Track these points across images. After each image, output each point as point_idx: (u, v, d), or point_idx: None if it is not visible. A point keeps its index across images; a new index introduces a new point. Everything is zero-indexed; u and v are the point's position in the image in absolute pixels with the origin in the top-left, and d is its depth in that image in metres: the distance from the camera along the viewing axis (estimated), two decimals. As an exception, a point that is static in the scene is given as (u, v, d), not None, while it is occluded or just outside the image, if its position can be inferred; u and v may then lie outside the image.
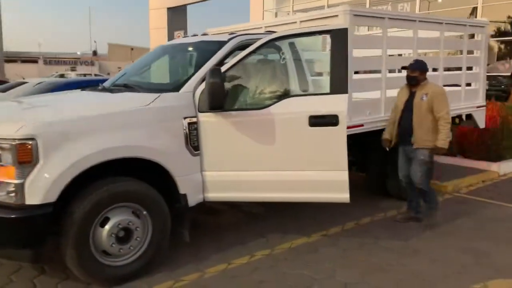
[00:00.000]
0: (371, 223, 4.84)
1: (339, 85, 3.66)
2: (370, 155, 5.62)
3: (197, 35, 4.74)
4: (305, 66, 4.14)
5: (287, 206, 5.03)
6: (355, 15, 4.48)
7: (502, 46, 18.61)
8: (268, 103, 3.77)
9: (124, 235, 3.40)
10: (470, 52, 6.43)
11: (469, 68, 6.49)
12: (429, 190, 4.72)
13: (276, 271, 3.68)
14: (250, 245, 4.21)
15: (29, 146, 2.97)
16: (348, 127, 4.47)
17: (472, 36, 6.41)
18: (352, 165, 5.76)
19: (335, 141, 3.66)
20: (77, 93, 4.51)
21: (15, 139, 2.98)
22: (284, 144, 3.74)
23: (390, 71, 5.32)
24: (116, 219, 3.34)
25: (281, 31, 4.15)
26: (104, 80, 4.93)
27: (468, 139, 7.43)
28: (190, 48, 4.49)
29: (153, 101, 3.57)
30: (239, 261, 3.86)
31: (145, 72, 4.60)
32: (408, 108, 4.54)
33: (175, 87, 3.79)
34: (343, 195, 3.76)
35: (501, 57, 18.19)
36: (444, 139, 4.40)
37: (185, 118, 3.63)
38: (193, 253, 4.01)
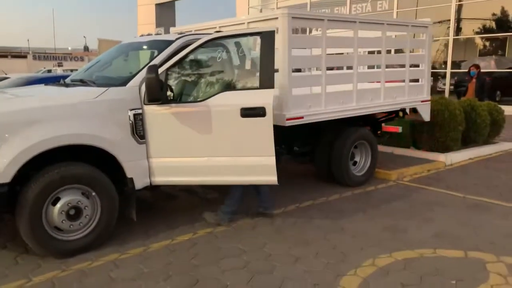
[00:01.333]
0: (311, 206, 5.33)
1: (267, 81, 4.13)
2: (317, 145, 6.11)
3: (151, 35, 5.19)
4: (239, 63, 4.61)
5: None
6: (293, 17, 4.94)
7: (487, 43, 19.26)
8: (205, 96, 4.24)
9: (74, 213, 3.86)
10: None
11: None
12: (238, 194, 4.76)
13: (212, 245, 4.15)
14: (196, 225, 4.68)
15: None
16: (288, 119, 5.00)
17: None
18: (303, 155, 6.31)
19: (263, 130, 4.14)
20: (38, 88, 4.95)
21: (-28, 127, 3.42)
22: (219, 133, 4.21)
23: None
24: (66, 198, 3.80)
25: (224, 31, 4.61)
26: (67, 76, 5.35)
27: (419, 132, 7.94)
28: (142, 47, 4.94)
29: (100, 95, 4.02)
30: (182, 238, 4.33)
31: (101, 68, 5.03)
32: None
33: (123, 82, 4.23)
34: (272, 178, 4.25)
35: (484, 53, 18.85)
36: None
37: (131, 109, 4.09)
38: (143, 231, 4.48)
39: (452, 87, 17.24)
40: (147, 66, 3.98)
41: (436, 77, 17.89)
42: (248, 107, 4.14)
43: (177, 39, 4.61)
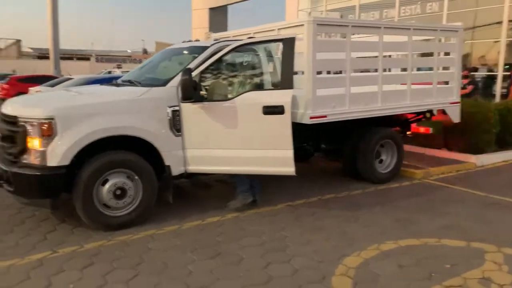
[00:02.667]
0: (333, 198, 5.75)
1: (286, 82, 4.67)
2: (344, 144, 6.51)
3: (191, 41, 5.84)
4: (262, 66, 5.15)
5: (268, 183, 6.06)
6: (318, 24, 5.40)
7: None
8: (233, 95, 4.85)
9: (120, 193, 4.55)
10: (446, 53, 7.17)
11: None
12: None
13: (237, 226, 4.71)
14: (226, 210, 5.25)
15: (50, 124, 4.16)
16: (312, 117, 5.46)
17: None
18: (327, 153, 6.74)
19: (282, 126, 4.64)
20: (95, 87, 5.73)
21: (40, 118, 4.18)
22: (244, 128, 4.78)
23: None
24: (113, 180, 4.49)
25: (250, 38, 5.17)
26: (119, 77, 6.11)
27: (451, 133, 8.09)
28: (182, 52, 5.59)
29: (144, 93, 4.70)
30: (211, 220, 4.92)
31: (147, 71, 5.73)
32: None
33: (164, 82, 4.89)
34: (290, 169, 4.75)
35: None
36: None
37: (169, 106, 4.73)
38: (178, 213, 5.10)
39: (505, 90, 16.79)
40: (182, 70, 4.61)
41: (492, 80, 17.49)
42: (269, 105, 4.66)
43: (212, 45, 5.21)
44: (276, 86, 4.91)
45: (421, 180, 6.75)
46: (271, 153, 4.74)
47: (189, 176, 5.24)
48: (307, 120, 5.43)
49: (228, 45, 5.03)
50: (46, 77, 19.97)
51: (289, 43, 4.58)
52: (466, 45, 19.15)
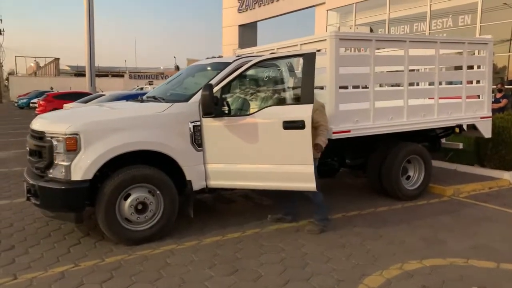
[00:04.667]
0: (357, 215, 5.63)
1: (306, 96, 4.60)
2: (369, 159, 6.39)
3: (214, 57, 5.92)
4: (283, 81, 5.14)
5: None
6: (341, 39, 5.37)
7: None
8: (253, 110, 4.85)
9: (141, 208, 4.60)
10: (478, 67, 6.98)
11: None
12: (318, 199, 5.00)
13: (256, 243, 4.66)
14: (246, 226, 5.22)
15: (74, 139, 4.27)
16: (335, 132, 5.40)
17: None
18: (353, 169, 6.63)
19: (303, 141, 4.57)
20: (120, 103, 5.87)
21: (66, 134, 4.30)
22: (265, 143, 4.74)
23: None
24: (135, 195, 4.55)
25: (271, 53, 5.19)
26: (145, 93, 6.24)
27: (484, 149, 7.82)
28: (206, 68, 5.66)
29: (166, 109, 4.77)
30: (231, 235, 4.89)
31: (171, 87, 5.81)
32: None
33: (187, 98, 4.95)
34: (310, 184, 4.66)
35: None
36: (323, 140, 4.86)
37: (191, 122, 4.77)
38: (199, 228, 5.11)
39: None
40: (203, 85, 4.66)
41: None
42: (290, 120, 4.61)
43: (234, 61, 5.25)
44: (296, 101, 4.88)
45: (450, 198, 6.52)
46: (291, 168, 4.68)
47: (211, 191, 5.26)
48: (330, 135, 5.37)
49: (249, 61, 5.06)
50: (81, 93, 20.67)
51: (309, 58, 4.55)
52: (502, 58, 18.70)
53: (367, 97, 5.73)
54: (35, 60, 77.33)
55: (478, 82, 7.09)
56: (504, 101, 10.53)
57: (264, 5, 31.44)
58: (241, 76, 4.98)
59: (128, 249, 4.49)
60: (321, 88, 5.66)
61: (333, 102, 5.39)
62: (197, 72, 5.84)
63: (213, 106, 4.55)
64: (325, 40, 5.37)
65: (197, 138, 4.81)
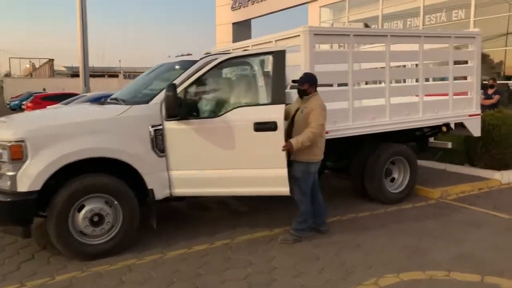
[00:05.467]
0: (336, 222, 5.27)
1: (278, 96, 4.29)
2: (351, 161, 6.04)
3: (183, 55, 5.54)
4: (252, 81, 4.78)
5: (268, 205, 5.68)
6: (315, 34, 5.01)
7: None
8: (221, 112, 4.50)
9: (98, 220, 4.23)
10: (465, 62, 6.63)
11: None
12: (304, 206, 4.57)
13: (223, 256, 4.30)
14: (217, 236, 4.86)
15: (19, 147, 3.91)
16: (311, 134, 5.02)
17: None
18: (334, 171, 6.27)
19: (275, 144, 4.27)
20: (78, 106, 5.51)
21: (10, 141, 3.93)
22: (234, 147, 4.43)
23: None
24: (90, 206, 4.19)
25: (241, 51, 4.82)
26: (110, 95, 5.86)
27: (474, 148, 7.47)
28: (172, 67, 5.29)
29: (124, 112, 4.40)
30: (198, 247, 4.53)
31: (135, 88, 5.45)
32: (293, 120, 4.57)
33: (147, 100, 4.58)
34: (284, 189, 4.40)
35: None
36: (299, 140, 4.27)
37: (151, 125, 4.41)
38: (165, 239, 4.75)
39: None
40: (166, 85, 4.30)
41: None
42: (261, 122, 4.32)
43: (201, 59, 4.89)
44: (268, 101, 4.54)
45: (437, 200, 6.18)
46: (263, 172, 4.41)
47: (179, 198, 4.92)
48: (305, 137, 5.00)
49: (216, 59, 4.71)
50: (70, 94, 20.30)
51: (279, 56, 4.23)
52: (498, 52, 18.35)
53: (346, 96, 5.37)
54: (30, 61, 76.77)
55: (465, 78, 6.74)
56: (496, 97, 10.19)
57: (258, 2, 31.07)
58: (207, 75, 4.63)
59: (83, 265, 4.14)
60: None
61: (308, 101, 5.02)
62: (164, 71, 5.47)
63: (177, 108, 4.20)
64: (299, 35, 5.01)
65: (159, 143, 4.44)
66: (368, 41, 5.48)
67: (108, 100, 5.33)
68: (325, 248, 4.44)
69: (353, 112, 5.39)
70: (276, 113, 4.29)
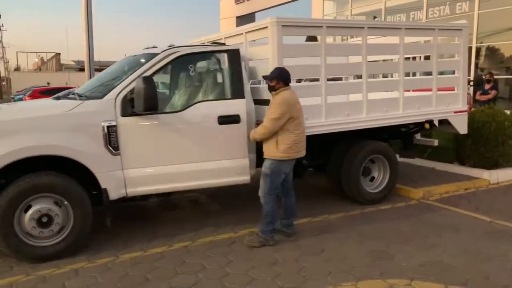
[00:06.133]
0: (307, 223, 5.03)
1: (237, 92, 4.40)
2: (328, 159, 5.77)
3: (149, 48, 5.30)
4: (212, 76, 4.63)
5: (237, 203, 5.46)
6: (284, 25, 4.74)
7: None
8: (182, 107, 4.49)
9: (47, 221, 4.04)
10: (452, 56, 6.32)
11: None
12: (268, 207, 4.32)
13: (177, 260, 4.08)
14: (178, 237, 4.65)
15: None
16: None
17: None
18: (311, 169, 6.03)
19: (238, 135, 4.51)
20: (37, 101, 5.31)
21: None
22: (197, 140, 4.48)
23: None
24: (37, 206, 3.99)
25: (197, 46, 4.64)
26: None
27: (463, 146, 7.16)
28: (133, 60, 5.05)
29: (75, 107, 4.19)
30: (155, 250, 4.32)
31: (96, 82, 5.22)
32: None
33: (102, 95, 4.37)
34: (245, 177, 4.70)
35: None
36: (251, 133, 4.35)
37: (105, 121, 4.19)
38: (123, 241, 4.55)
39: None
40: (141, 77, 4.12)
41: None
42: (225, 115, 4.51)
43: (162, 52, 4.65)
44: (229, 95, 4.46)
45: (419, 201, 5.90)
46: (226, 163, 4.59)
47: (144, 197, 4.74)
48: (272, 135, 4.76)
49: (188, 51, 4.55)
50: (68, 88, 20.20)
51: (233, 55, 4.16)
52: (507, 46, 17.85)
53: (318, 91, 5.10)
54: (39, 56, 77.17)
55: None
56: (493, 93, 9.83)
57: (261, -5, 30.66)
58: (165, 70, 4.43)
59: (30, 268, 3.95)
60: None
61: (276, 97, 4.77)
62: (126, 64, 5.23)
63: (157, 100, 4.09)
64: (266, 27, 4.75)
65: (112, 141, 4.23)
66: (342, 33, 5.20)
67: (68, 94, 5.13)
68: (287, 252, 4.20)
69: (326, 108, 5.12)
70: (239, 106, 4.52)
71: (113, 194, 4.28)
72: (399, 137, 6.65)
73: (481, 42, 17.46)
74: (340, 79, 7.03)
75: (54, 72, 59.70)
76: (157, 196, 4.82)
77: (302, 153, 4.37)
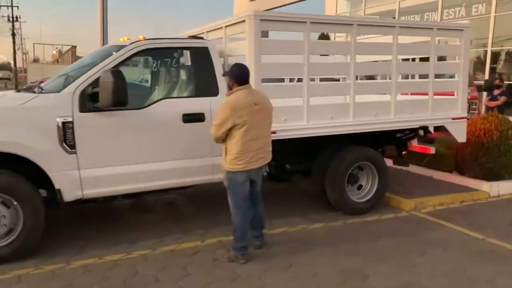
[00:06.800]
0: (281, 234, 4.67)
1: (203, 89, 4.23)
2: (313, 165, 5.41)
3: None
4: (179, 73, 4.33)
5: (209, 209, 5.13)
6: (262, 19, 4.39)
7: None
8: (146, 103, 4.23)
9: (-7, 223, 3.76)
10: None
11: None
12: (235, 222, 3.90)
13: (131, 271, 3.76)
14: (140, 244, 4.33)
15: None
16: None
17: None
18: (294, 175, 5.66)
19: (202, 134, 4.22)
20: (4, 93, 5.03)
21: None
22: (161, 138, 4.23)
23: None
24: (-18, 207, 3.71)
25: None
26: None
27: (462, 154, 6.71)
28: (101, 52, 4.74)
29: (28, 101, 3.90)
30: (110, 258, 4.01)
31: (60, 75, 4.93)
32: None
33: (62, 87, 4.07)
34: (208, 177, 4.50)
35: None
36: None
37: (60, 117, 3.89)
38: (83, 245, 4.25)
39: None
40: (109, 70, 3.82)
41: None
42: (190, 113, 4.30)
43: (130, 44, 4.33)
44: (194, 94, 4.14)
45: (409, 213, 5.49)
46: (190, 162, 4.40)
47: (108, 199, 4.44)
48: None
49: (156, 45, 4.27)
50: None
51: (199, 52, 3.87)
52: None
53: (300, 91, 4.73)
54: (56, 48, 77.96)
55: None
56: (502, 99, 9.31)
57: (276, -7, 30.29)
58: (131, 64, 4.13)
59: (-28, 272, 3.68)
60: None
61: (252, 96, 4.42)
62: (96, 56, 4.93)
63: (126, 95, 3.83)
64: (244, 21, 4.41)
65: (68, 138, 3.93)
66: (329, 29, 4.81)
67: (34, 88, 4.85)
68: (250, 267, 3.85)
69: (308, 110, 4.74)
70: (205, 104, 4.33)
71: (68, 196, 3.98)
72: (393, 143, 6.23)
73: (501, 46, 16.81)
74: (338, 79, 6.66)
75: (70, 64, 60.10)
76: (123, 197, 4.52)
77: (257, 163, 3.78)
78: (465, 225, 5.02)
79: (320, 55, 5.63)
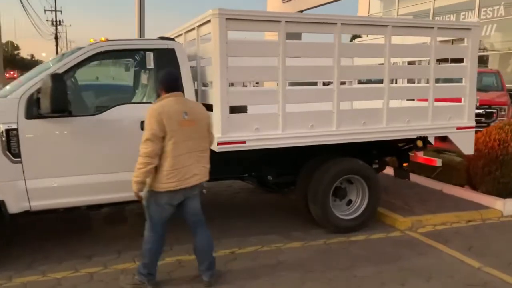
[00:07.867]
0: (252, 253, 4.26)
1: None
2: (297, 177, 4.97)
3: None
4: (137, 77, 4.02)
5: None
6: (229, 19, 4.00)
7: None
8: (100, 109, 3.93)
9: None
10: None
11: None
12: (144, 247, 3.44)
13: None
14: (94, 260, 4.05)
15: None
16: (220, 143, 4.08)
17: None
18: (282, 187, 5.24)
19: None
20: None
21: None
22: (117, 147, 3.93)
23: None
24: None
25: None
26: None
27: (474, 168, 6.05)
28: (63, 56, 4.50)
29: (-30, 107, 3.68)
30: (54, 276, 3.75)
31: (23, 78, 4.71)
32: None
33: (9, 93, 3.84)
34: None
35: None
36: (134, 175, 3.22)
37: (3, 124, 3.66)
38: (30, 261, 4.01)
39: None
40: (49, 74, 3.58)
41: None
42: None
43: (88, 45, 4.06)
44: (149, 99, 3.82)
45: (403, 233, 4.93)
46: None
47: (68, 210, 4.18)
48: (214, 147, 4.04)
49: (116, 46, 3.99)
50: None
51: (162, 54, 3.58)
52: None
53: (274, 98, 4.30)
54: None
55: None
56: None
57: (308, -6, 29.81)
58: (85, 67, 3.86)
59: None
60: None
61: (218, 103, 4.06)
62: (54, 60, 4.69)
63: (68, 101, 3.55)
64: (209, 21, 4.04)
65: (12, 146, 3.69)
66: (307, 29, 4.35)
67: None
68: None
69: (283, 118, 4.31)
70: None
71: (13, 208, 3.75)
72: (393, 154, 5.68)
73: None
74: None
75: (109, 67, 61.62)
76: (88, 208, 4.25)
77: (191, 181, 3.30)
78: (463, 250, 4.43)
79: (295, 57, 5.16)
